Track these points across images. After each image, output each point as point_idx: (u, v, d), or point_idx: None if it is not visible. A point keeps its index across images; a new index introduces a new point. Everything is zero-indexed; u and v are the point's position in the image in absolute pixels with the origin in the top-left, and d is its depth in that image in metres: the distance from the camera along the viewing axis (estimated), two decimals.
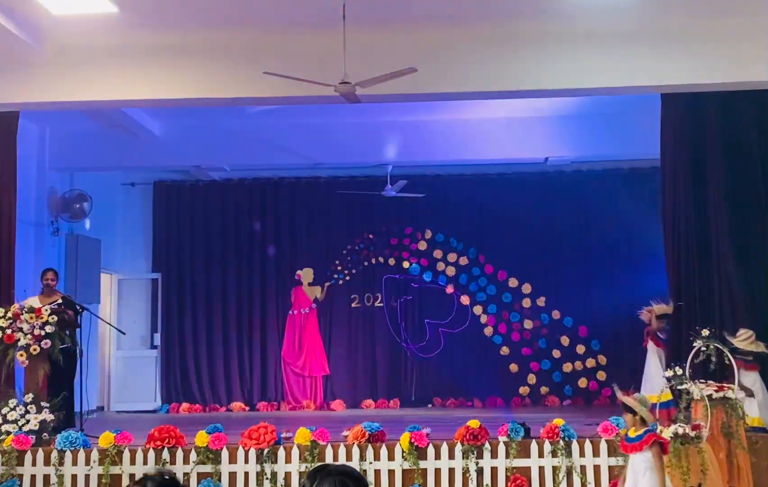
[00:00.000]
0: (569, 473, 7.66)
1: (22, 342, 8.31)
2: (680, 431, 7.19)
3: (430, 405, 13.79)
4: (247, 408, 13.80)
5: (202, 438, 7.79)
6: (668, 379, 7.83)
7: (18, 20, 8.10)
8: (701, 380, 7.71)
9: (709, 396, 7.43)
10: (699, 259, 9.70)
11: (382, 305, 14.38)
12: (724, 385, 7.65)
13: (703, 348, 7.89)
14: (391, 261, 14.42)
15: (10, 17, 7.96)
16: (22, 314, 8.39)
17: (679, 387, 7.89)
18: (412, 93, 8.77)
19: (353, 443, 7.77)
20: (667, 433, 7.26)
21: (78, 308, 9.01)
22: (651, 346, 9.76)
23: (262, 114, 11.71)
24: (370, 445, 7.74)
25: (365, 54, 8.09)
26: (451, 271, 14.37)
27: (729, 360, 7.69)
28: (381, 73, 7.64)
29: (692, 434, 7.09)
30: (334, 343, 14.37)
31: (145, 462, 7.71)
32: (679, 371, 7.91)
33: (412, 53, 8.16)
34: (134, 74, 8.80)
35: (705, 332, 7.93)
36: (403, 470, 7.66)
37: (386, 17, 8.39)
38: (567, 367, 13.96)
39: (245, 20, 8.41)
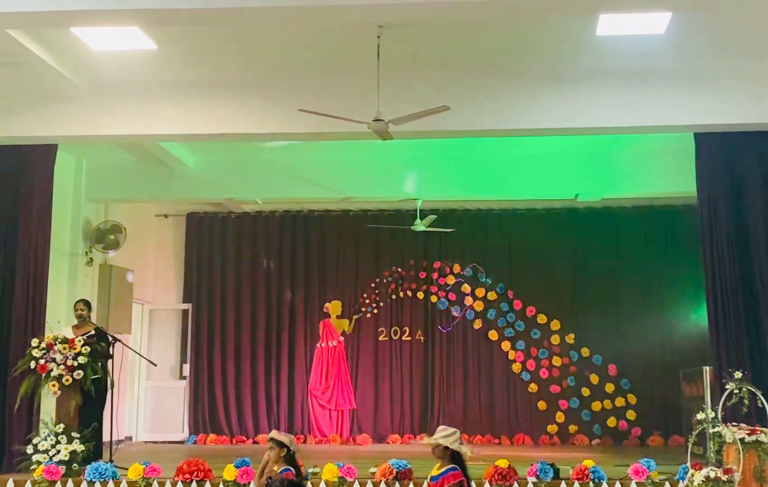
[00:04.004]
0: None
1: (54, 373, 8.37)
2: (712, 474, 7.10)
3: None
4: None
5: (230, 472, 7.79)
6: (700, 421, 7.74)
7: (59, 56, 8.30)
8: (734, 424, 7.62)
9: (742, 440, 7.32)
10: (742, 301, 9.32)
11: (409, 339, 14.37)
12: (757, 428, 7.54)
13: (736, 391, 7.80)
14: (420, 295, 14.43)
15: (52, 53, 8.16)
16: (56, 344, 8.47)
17: (711, 430, 7.81)
18: (443, 130, 8.83)
19: (380, 481, 7.74)
20: (698, 476, 7.17)
21: (110, 339, 9.07)
22: None
23: (293, 148, 11.82)
24: (397, 482, 7.71)
25: (398, 92, 8.19)
26: (479, 306, 14.33)
27: (762, 403, 7.59)
28: (414, 110, 7.72)
29: (724, 478, 6.99)
30: (361, 376, 14.36)
31: None
32: (711, 414, 7.83)
33: (444, 92, 8.23)
34: (171, 109, 9.00)
35: (738, 375, 7.85)
36: None
37: (419, 57, 8.49)
38: (596, 405, 13.83)
39: (280, 57, 8.54)
